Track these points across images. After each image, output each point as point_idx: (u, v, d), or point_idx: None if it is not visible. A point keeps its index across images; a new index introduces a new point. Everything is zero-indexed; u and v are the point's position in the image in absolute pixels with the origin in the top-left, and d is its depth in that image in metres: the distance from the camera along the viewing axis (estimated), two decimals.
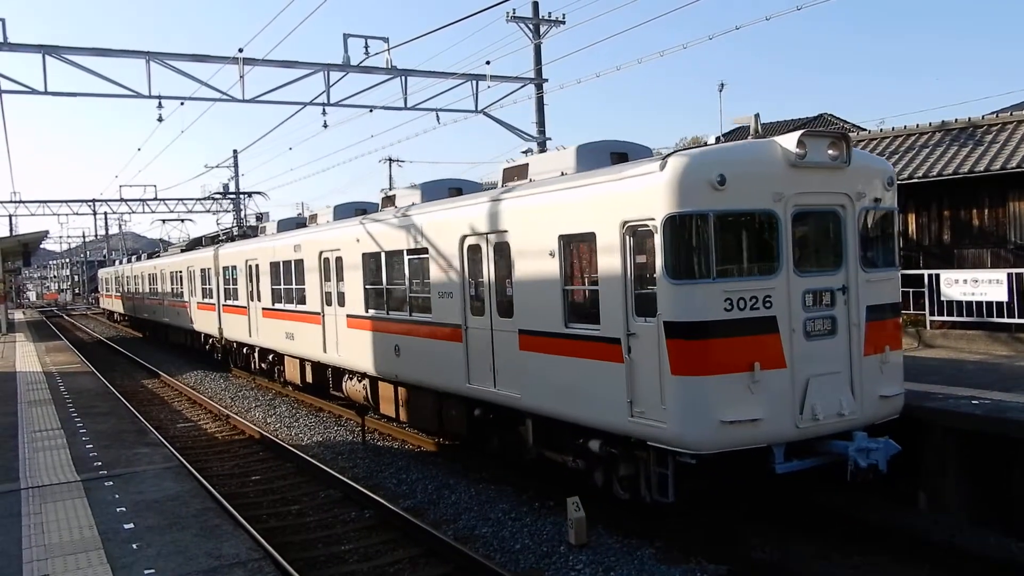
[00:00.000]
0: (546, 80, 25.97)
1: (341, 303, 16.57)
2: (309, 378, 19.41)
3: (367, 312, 15.37)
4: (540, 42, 25.60)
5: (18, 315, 63.23)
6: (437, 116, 25.54)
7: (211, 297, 27.26)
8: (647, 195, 8.63)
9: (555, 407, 10.33)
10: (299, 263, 18.77)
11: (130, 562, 7.17)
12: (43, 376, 21.16)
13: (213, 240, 31.62)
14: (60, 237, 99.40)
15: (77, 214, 54.60)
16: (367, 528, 10.68)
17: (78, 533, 7.96)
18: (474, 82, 24.77)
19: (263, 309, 21.48)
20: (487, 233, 11.51)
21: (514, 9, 24.86)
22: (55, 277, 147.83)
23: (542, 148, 25.58)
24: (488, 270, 11.58)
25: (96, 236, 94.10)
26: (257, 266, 21.93)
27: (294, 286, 19.17)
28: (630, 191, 8.94)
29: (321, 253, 17.32)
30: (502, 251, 11.29)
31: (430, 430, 14.50)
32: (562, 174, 10.84)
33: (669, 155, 8.65)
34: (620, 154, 10.90)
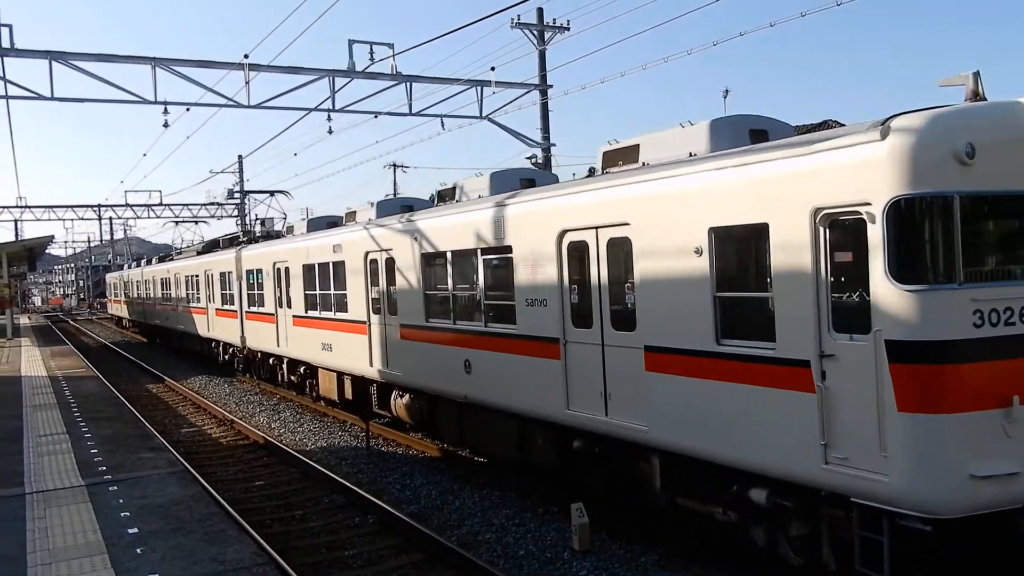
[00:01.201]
0: (551, 86, 24.32)
1: (392, 311, 13.91)
2: (348, 394, 16.44)
3: (427, 321, 12.73)
4: (544, 48, 23.89)
5: (23, 320, 63.19)
6: (442, 122, 24.76)
7: (232, 303, 24.21)
8: (858, 173, 6.25)
9: (700, 444, 7.82)
10: (339, 266, 16.02)
11: (134, 567, 6.90)
12: (48, 380, 20.43)
13: (232, 242, 28.23)
14: (65, 242, 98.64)
15: (82, 219, 54.25)
16: (371, 533, 10.16)
17: (82, 537, 7.71)
18: (479, 88, 23.83)
19: (294, 317, 18.72)
20: (597, 227, 9.03)
21: (519, 16, 23.28)
22: (60, 282, 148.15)
23: (547, 154, 25.42)
24: (597, 272, 9.08)
25: (101, 241, 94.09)
26: (287, 269, 19.15)
27: (332, 291, 16.42)
28: (827, 168, 6.50)
29: (367, 254, 14.71)
30: (619, 249, 8.83)
31: (507, 459, 11.92)
32: (691, 155, 8.45)
33: (891, 118, 6.26)
34: (759, 131, 8.60)
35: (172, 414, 20.15)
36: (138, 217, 52.29)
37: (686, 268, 7.82)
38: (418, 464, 13.61)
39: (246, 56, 20.66)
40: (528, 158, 24.41)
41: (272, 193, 27.18)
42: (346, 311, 15.75)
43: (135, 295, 46.17)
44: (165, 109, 21.25)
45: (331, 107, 22.22)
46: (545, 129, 24.76)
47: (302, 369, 19.34)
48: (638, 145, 9.46)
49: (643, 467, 8.95)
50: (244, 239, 27.37)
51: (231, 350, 25.60)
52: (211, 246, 30.92)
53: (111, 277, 61.59)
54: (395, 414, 14.69)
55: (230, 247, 26.54)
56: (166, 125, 21.84)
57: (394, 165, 55.33)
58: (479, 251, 11.38)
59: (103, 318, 73.75)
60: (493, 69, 23.53)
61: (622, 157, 9.67)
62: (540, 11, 24.18)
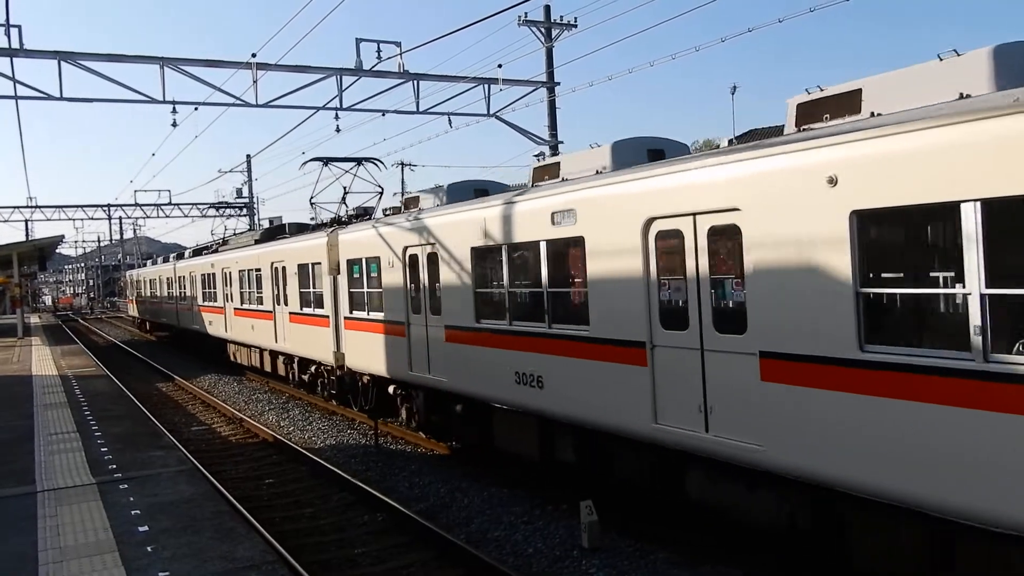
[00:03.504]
0: (558, 83, 24.49)
1: (729, 326, 7.65)
2: (569, 454, 10.47)
3: (862, 352, 6.30)
4: (552, 45, 24.06)
5: (34, 319, 63.48)
6: (449, 120, 24.87)
7: (320, 306, 17.82)
8: None
9: None
10: (559, 246, 10.12)
11: (144, 564, 6.88)
12: (59, 380, 20.29)
13: (302, 228, 22.61)
14: (76, 242, 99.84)
15: (92, 219, 54.86)
16: (380, 531, 10.15)
17: (93, 535, 7.68)
18: (486, 86, 23.69)
19: (449, 328, 12.57)
20: None
21: (526, 13, 23.38)
22: (71, 281, 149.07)
23: (555, 152, 25.60)
24: None
25: (111, 241, 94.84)
26: (429, 257, 13.13)
27: (546, 290, 10.29)
28: None
29: (650, 224, 8.47)
30: None
31: None
32: None
33: None
34: None
35: (182, 412, 20.16)
36: (148, 216, 52.50)
37: None
38: (426, 462, 13.60)
39: (254, 55, 20.75)
40: (536, 156, 24.44)
41: (359, 161, 20.17)
42: (579, 321, 9.69)
43: (163, 294, 38.37)
44: (174, 108, 21.43)
45: (339, 105, 22.29)
46: (552, 126, 24.80)
47: (456, 407, 12.99)
48: None
49: None
50: (327, 223, 20.48)
51: (314, 368, 19.31)
52: (275, 232, 24.57)
53: (133, 274, 54.15)
54: (695, 505, 8.70)
55: (304, 232, 21.13)
56: (175, 124, 22.00)
57: (402, 164, 55.52)
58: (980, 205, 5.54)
59: (112, 317, 74.04)
60: (500, 67, 23.58)
61: None
62: (547, 8, 24.29)
